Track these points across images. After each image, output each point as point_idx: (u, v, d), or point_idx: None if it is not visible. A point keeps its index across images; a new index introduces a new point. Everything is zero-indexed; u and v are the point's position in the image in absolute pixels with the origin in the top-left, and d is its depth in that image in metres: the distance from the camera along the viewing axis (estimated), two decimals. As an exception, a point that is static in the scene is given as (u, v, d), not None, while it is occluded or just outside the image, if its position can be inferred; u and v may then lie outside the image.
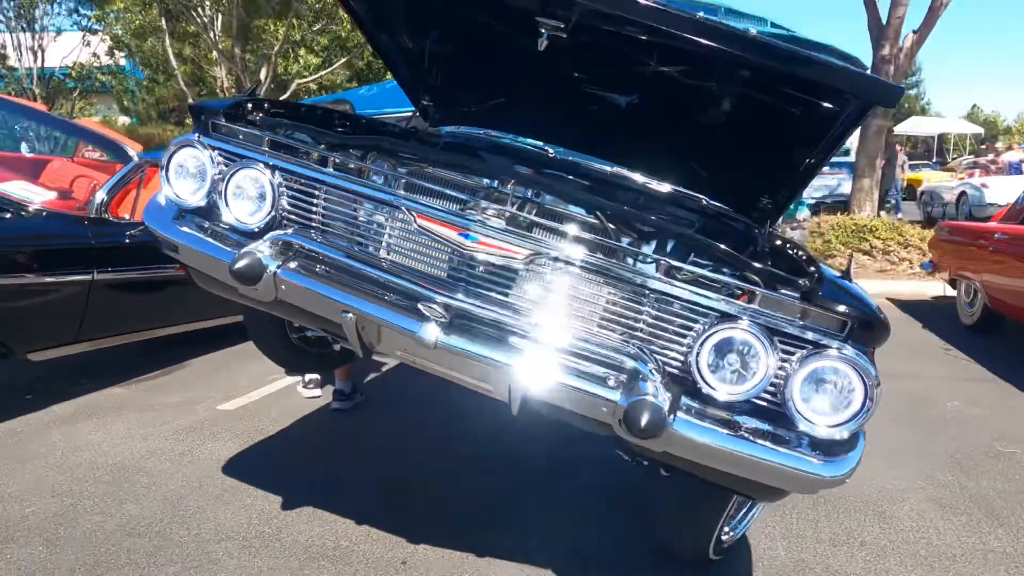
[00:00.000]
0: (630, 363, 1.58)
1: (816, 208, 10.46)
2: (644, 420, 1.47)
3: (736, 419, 1.60)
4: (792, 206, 11.23)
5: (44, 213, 3.59)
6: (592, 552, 2.31)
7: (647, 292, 1.63)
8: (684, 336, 1.63)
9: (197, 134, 1.95)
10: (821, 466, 1.55)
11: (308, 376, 3.86)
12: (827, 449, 1.57)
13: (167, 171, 1.95)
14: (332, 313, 1.73)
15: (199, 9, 14.51)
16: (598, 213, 1.76)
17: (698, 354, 1.58)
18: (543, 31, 1.93)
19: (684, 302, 1.61)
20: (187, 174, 1.95)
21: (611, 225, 1.74)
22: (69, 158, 4.73)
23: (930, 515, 2.57)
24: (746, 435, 1.57)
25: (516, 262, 1.66)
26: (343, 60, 16.90)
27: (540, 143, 2.64)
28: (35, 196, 3.67)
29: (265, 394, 3.88)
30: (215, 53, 15.51)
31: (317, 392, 3.83)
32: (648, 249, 1.72)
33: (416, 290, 1.65)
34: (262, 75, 13.81)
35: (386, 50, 2.71)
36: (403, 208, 1.72)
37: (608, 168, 2.65)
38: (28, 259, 3.42)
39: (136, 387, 4.00)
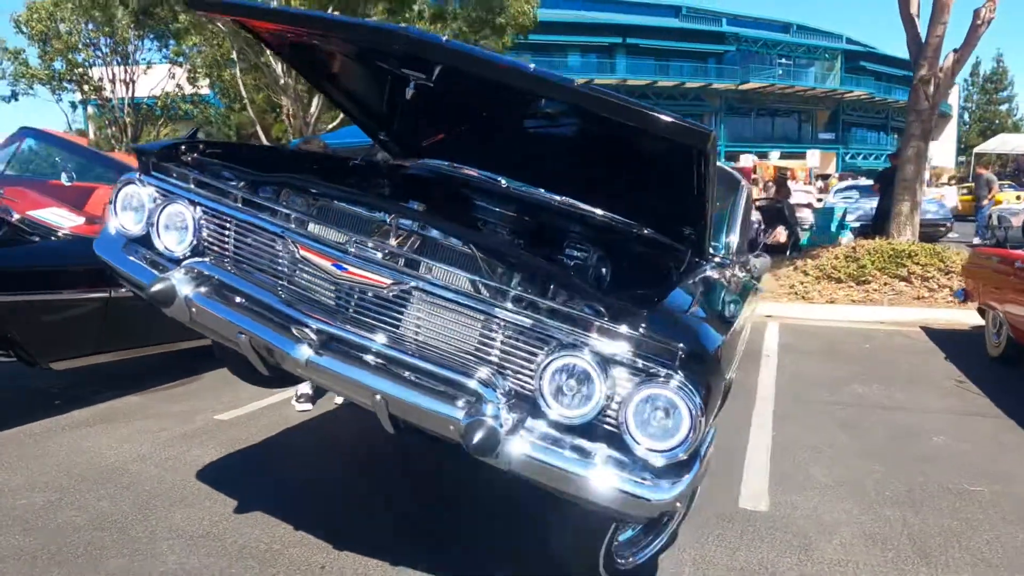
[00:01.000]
0: (477, 386, 1.70)
1: (865, 232, 10.10)
2: (476, 439, 1.59)
3: (576, 441, 1.70)
4: (835, 230, 10.92)
5: (69, 236, 4.00)
6: (497, 564, 2.41)
7: (498, 321, 1.76)
8: (531, 362, 1.74)
9: (139, 172, 2.22)
10: (649, 489, 1.63)
11: (300, 391, 4.12)
12: (659, 473, 1.65)
13: (115, 204, 2.23)
14: (231, 334, 1.94)
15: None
16: (471, 247, 1.90)
17: (540, 379, 1.69)
18: (411, 80, 2.11)
19: (529, 331, 1.73)
20: (130, 207, 2.22)
21: (482, 259, 1.88)
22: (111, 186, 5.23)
23: (857, 549, 2.53)
24: (579, 457, 1.66)
25: (382, 291, 1.82)
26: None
27: (495, 175, 2.82)
28: (64, 221, 4.09)
29: (261, 407, 4.15)
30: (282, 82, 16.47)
31: (308, 406, 4.08)
32: (505, 281, 1.85)
33: (293, 315, 1.83)
34: (314, 104, 14.56)
35: (331, 96, 2.96)
36: (288, 239, 1.92)
37: (556, 198, 2.79)
38: (51, 278, 3.83)
39: (150, 396, 4.36)
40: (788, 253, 10.63)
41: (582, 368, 1.66)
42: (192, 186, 2.11)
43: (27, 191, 4.46)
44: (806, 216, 11.41)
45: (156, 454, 3.41)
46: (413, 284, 1.79)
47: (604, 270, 2.61)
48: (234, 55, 16.11)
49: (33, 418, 3.87)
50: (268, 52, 15.55)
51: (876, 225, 9.38)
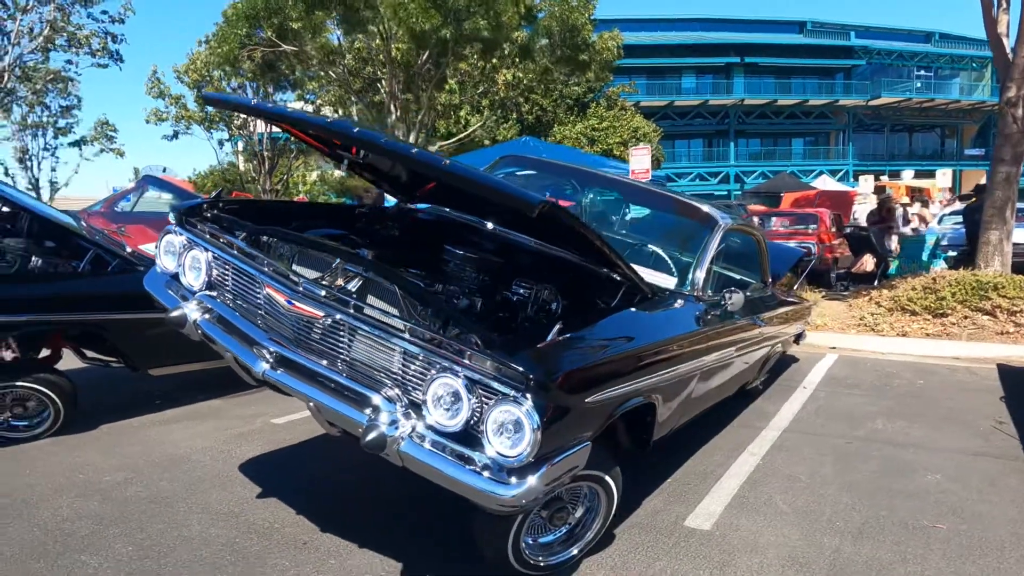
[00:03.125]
0: (378, 399, 2.18)
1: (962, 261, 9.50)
2: (367, 439, 2.08)
3: (453, 445, 2.12)
4: (926, 259, 10.30)
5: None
6: (440, 548, 2.83)
7: (399, 348, 2.23)
8: (422, 381, 2.19)
9: (174, 224, 2.91)
10: (497, 486, 2.02)
11: None
12: (506, 475, 2.03)
13: (159, 249, 2.93)
14: (223, 351, 2.54)
15: (379, 84, 16.93)
16: (396, 289, 2.39)
17: (425, 395, 2.14)
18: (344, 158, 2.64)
19: (420, 357, 2.18)
20: (168, 252, 2.91)
21: (402, 298, 2.36)
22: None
23: (771, 570, 2.71)
24: (450, 457, 2.09)
25: (318, 322, 2.35)
26: (477, 120, 18.37)
27: (477, 219, 3.32)
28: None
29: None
30: (392, 119, 17.91)
31: None
32: (413, 316, 2.32)
33: (257, 339, 2.40)
34: (411, 138, 15.71)
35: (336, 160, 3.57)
36: (259, 280, 2.50)
37: (530, 242, 3.23)
38: (152, 300, 4.72)
39: (228, 400, 5.18)
40: (876, 282, 10.20)
41: (454, 388, 2.09)
42: (207, 236, 2.76)
43: (144, 228, 5.49)
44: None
45: (216, 447, 4.14)
46: (339, 317, 2.30)
47: (553, 303, 2.99)
48: (352, 96, 17.68)
49: (135, 414, 4.77)
50: (383, 92, 17.09)
51: (970, 255, 8.83)
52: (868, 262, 10.61)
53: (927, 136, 49.11)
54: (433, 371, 2.15)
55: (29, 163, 27.11)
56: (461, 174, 2.20)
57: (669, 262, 3.67)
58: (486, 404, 2.07)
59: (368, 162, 3.00)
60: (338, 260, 2.49)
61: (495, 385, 2.05)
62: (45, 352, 4.73)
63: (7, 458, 3.92)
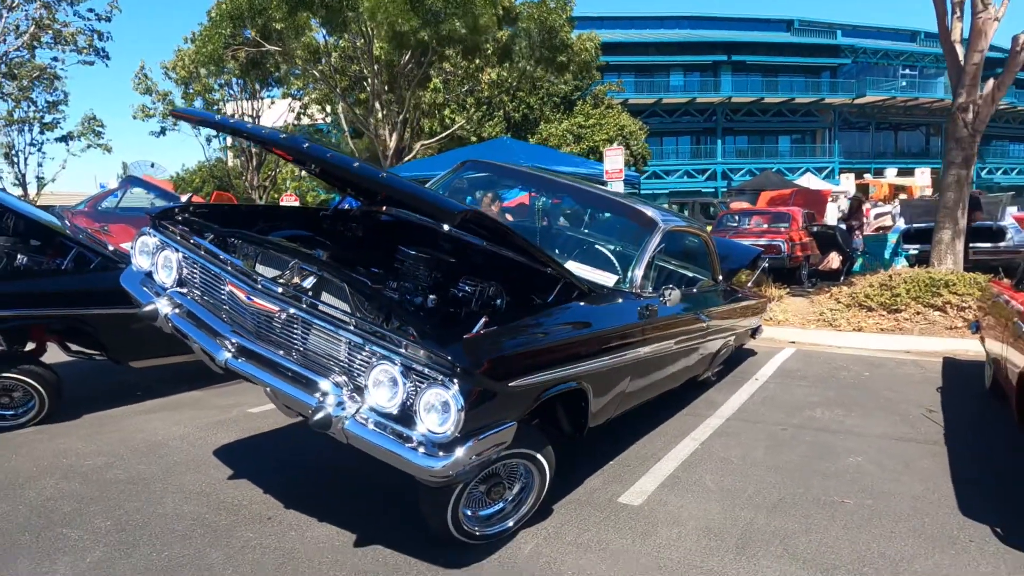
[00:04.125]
0: (326, 384, 2.46)
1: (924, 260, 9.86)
2: (314, 418, 2.36)
3: (392, 424, 2.41)
4: (888, 256, 10.66)
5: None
6: (391, 521, 3.11)
7: (345, 339, 2.51)
8: (366, 367, 2.47)
9: (148, 227, 3.17)
10: (426, 460, 2.30)
11: None
12: (436, 449, 2.32)
13: (134, 249, 3.19)
14: (191, 343, 2.82)
15: (364, 82, 17.15)
16: (345, 287, 2.67)
17: (367, 380, 2.43)
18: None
19: (363, 346, 2.46)
20: (142, 252, 3.17)
21: (350, 294, 2.64)
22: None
23: (689, 537, 3.02)
24: (388, 435, 2.37)
25: (274, 315, 2.63)
26: (461, 118, 18.60)
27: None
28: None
29: (284, 403, 5.09)
30: (379, 116, 18.14)
31: None
32: (359, 310, 2.59)
33: (219, 330, 2.68)
34: (393, 140, 15.98)
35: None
36: (222, 277, 2.77)
37: (481, 243, 3.50)
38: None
39: (208, 391, 5.44)
40: (841, 279, 10.55)
41: (392, 374, 2.37)
42: (177, 238, 3.03)
43: (126, 226, 5.72)
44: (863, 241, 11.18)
45: (193, 435, 4.41)
46: (293, 311, 2.58)
47: (498, 299, 3.26)
48: (337, 93, 17.90)
49: (117, 404, 5.03)
50: (368, 90, 17.31)
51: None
52: (834, 259, 10.97)
53: (912, 134, 49.75)
54: (374, 359, 2.43)
55: (15, 158, 27.14)
56: (394, 186, 2.47)
57: (613, 261, 3.96)
58: (419, 387, 2.35)
59: (326, 171, 3.28)
60: (295, 260, 2.77)
61: (426, 371, 2.34)
62: (30, 345, 4.98)
63: (-5, 444, 4.18)
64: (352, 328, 2.48)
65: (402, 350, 2.38)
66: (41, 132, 26.90)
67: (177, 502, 3.37)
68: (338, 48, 17.89)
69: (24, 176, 27.49)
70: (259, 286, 2.65)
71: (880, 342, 7.41)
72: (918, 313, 7.65)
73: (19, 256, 5.00)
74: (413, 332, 2.40)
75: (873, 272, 9.18)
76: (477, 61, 15.36)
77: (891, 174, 35.15)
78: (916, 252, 10.22)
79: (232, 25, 13.67)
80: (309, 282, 2.75)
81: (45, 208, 6.09)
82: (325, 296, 2.68)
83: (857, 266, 10.50)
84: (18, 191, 27.32)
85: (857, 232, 10.77)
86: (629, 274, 3.75)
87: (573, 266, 3.77)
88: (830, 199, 15.79)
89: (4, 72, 21.46)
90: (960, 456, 4.05)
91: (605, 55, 30.32)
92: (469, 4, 11.42)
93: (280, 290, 2.63)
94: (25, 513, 3.24)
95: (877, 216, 17.97)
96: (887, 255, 10.42)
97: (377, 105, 17.42)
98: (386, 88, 16.14)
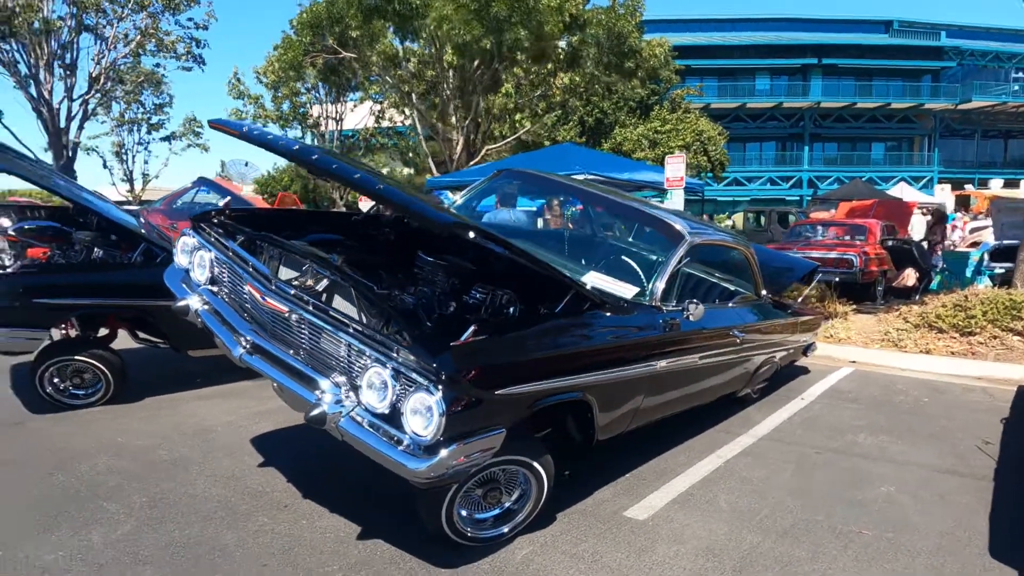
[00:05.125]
0: (325, 383, 2.61)
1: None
2: (310, 415, 2.50)
3: (383, 424, 2.52)
4: (970, 275, 9.95)
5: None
6: (394, 518, 3.23)
7: (344, 341, 2.64)
8: (363, 369, 2.59)
9: (190, 228, 3.43)
10: (410, 460, 2.40)
11: None
12: (419, 452, 2.41)
13: (176, 248, 3.46)
14: (215, 337, 3.03)
15: (439, 87, 17.57)
16: (352, 291, 2.81)
17: (361, 381, 2.55)
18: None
19: (360, 349, 2.59)
20: (183, 251, 3.43)
21: (357, 297, 2.78)
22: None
23: (686, 557, 2.98)
24: (378, 434, 2.49)
25: (284, 316, 2.79)
26: (532, 123, 18.63)
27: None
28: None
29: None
30: (452, 120, 18.55)
31: None
32: (362, 314, 2.72)
33: (237, 327, 2.87)
34: (460, 143, 16.25)
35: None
36: (243, 278, 2.97)
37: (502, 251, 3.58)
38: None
39: (258, 382, 5.71)
40: (916, 296, 9.96)
41: (383, 377, 2.49)
42: (211, 239, 3.27)
43: (194, 225, 6.13)
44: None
45: (236, 422, 4.70)
46: (300, 312, 2.74)
47: (511, 307, 3.33)
48: (413, 99, 18.41)
49: (175, 389, 5.42)
50: (443, 95, 17.74)
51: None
52: (910, 276, 10.35)
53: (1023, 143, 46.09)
54: (369, 361, 2.55)
55: (125, 156, 29.39)
56: (389, 198, 2.59)
57: (637, 272, 3.94)
58: (408, 390, 2.45)
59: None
60: (309, 264, 2.94)
61: (414, 376, 2.43)
62: (103, 332, 5.44)
63: (65, 421, 4.60)
64: (351, 331, 2.61)
65: (394, 354, 2.49)
66: (148, 132, 29.06)
67: (208, 484, 3.62)
68: (417, 53, 18.42)
69: (131, 172, 29.75)
70: (272, 287, 2.82)
71: (949, 366, 6.96)
72: (994, 337, 7.14)
73: (96, 250, 5.48)
74: (406, 337, 2.51)
75: (950, 291, 8.63)
76: (550, 66, 15.43)
77: (997, 185, 32.73)
78: (1003, 272, 9.50)
79: (311, 33, 14.31)
80: (322, 285, 2.91)
81: (123, 205, 6.62)
82: (335, 299, 2.83)
83: (935, 284, 9.87)
84: (126, 186, 29.61)
85: (937, 248, 10.12)
86: (650, 286, 3.72)
87: (594, 276, 3.79)
88: (917, 210, 14.86)
89: (114, 78, 23.26)
90: (1006, 494, 3.79)
91: (687, 59, 29.72)
92: (534, 12, 11.52)
93: (292, 292, 2.79)
94: (76, 485, 3.57)
95: (973, 231, 16.79)
96: (968, 273, 9.74)
97: (449, 110, 17.81)
98: (458, 93, 16.48)
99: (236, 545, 2.98)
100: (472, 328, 2.49)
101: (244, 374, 5.81)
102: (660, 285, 3.71)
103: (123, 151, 29.26)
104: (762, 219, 21.37)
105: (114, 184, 29.09)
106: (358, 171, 2.73)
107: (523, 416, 2.73)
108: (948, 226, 11.99)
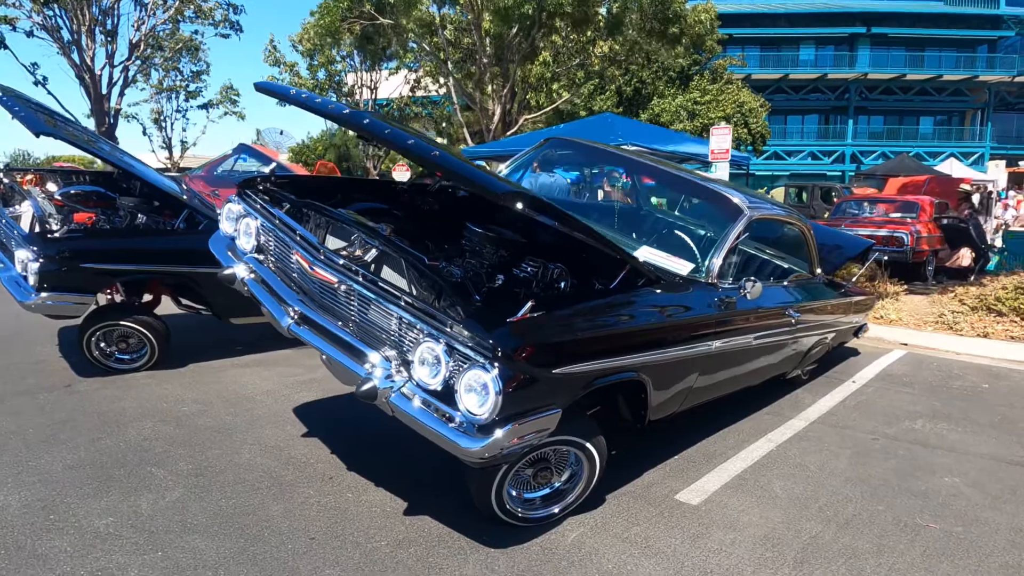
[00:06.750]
0: (376, 357, 2.52)
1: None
2: (361, 389, 2.43)
3: (435, 401, 2.43)
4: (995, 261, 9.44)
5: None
6: (438, 494, 3.17)
7: (396, 314, 2.55)
8: (415, 343, 2.50)
9: (235, 195, 3.36)
10: (464, 439, 2.31)
11: None
12: (473, 431, 2.32)
13: (221, 215, 3.39)
14: (262, 307, 2.97)
15: (476, 55, 17.28)
16: (402, 262, 2.71)
17: (413, 355, 2.46)
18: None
19: (412, 323, 2.49)
20: (228, 218, 3.37)
21: (407, 270, 2.68)
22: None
23: (743, 545, 2.86)
24: (431, 411, 2.40)
25: (334, 287, 2.71)
26: (568, 92, 18.25)
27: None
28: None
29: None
30: (489, 90, 18.27)
31: None
32: (413, 287, 2.62)
33: (285, 298, 2.80)
34: (497, 113, 15.98)
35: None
36: (291, 247, 2.89)
37: (552, 222, 3.45)
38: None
39: (299, 351, 5.73)
40: (972, 277, 9.55)
41: (436, 352, 2.39)
42: (257, 206, 3.19)
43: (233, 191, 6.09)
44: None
45: (278, 391, 4.69)
46: (351, 284, 2.65)
47: (562, 282, 3.20)
48: (448, 66, 18.15)
49: (217, 356, 5.44)
50: (480, 64, 17.46)
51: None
52: (965, 256, 9.92)
53: (1088, 117, 43.91)
54: (421, 336, 2.46)
55: (163, 124, 29.75)
56: (446, 165, 2.46)
57: (692, 248, 3.78)
58: (461, 367, 2.36)
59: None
60: (358, 233, 2.84)
61: (469, 352, 2.33)
62: (147, 297, 5.47)
63: (111, 385, 4.64)
64: (403, 304, 2.51)
65: (448, 329, 2.39)
66: (186, 100, 29.33)
67: (253, 454, 3.61)
68: (452, 20, 18.11)
69: (170, 140, 30.13)
70: (321, 257, 2.74)
71: (1008, 351, 6.66)
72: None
73: (140, 216, 5.48)
74: (460, 312, 2.40)
75: (1011, 273, 8.24)
76: (589, 33, 15.01)
77: (1053, 162, 31.28)
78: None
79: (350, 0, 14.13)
80: (370, 256, 2.82)
81: (164, 172, 6.63)
82: (384, 270, 2.73)
83: (991, 265, 9.44)
84: (164, 153, 30.03)
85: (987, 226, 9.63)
86: (706, 263, 3.56)
87: (648, 251, 3.64)
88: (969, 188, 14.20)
89: (153, 44, 23.40)
90: (1081, 489, 3.59)
91: (728, 27, 28.76)
92: (576, -25, 11.19)
93: (341, 262, 2.71)
94: (124, 450, 3.59)
95: (1028, 209, 16.05)
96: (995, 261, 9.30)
97: (486, 78, 17.52)
98: (494, 61, 16.17)
99: (283, 516, 2.95)
100: (530, 303, 2.38)
101: (284, 343, 5.83)
102: (717, 262, 3.55)
103: (162, 118, 29.63)
104: (804, 195, 20.75)
105: (153, 151, 29.52)
106: (411, 136, 2.62)
107: (579, 396, 2.63)
108: (1001, 203, 11.42)
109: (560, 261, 3.26)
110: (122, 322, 4.87)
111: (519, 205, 2.37)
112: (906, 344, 7.04)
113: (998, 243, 9.75)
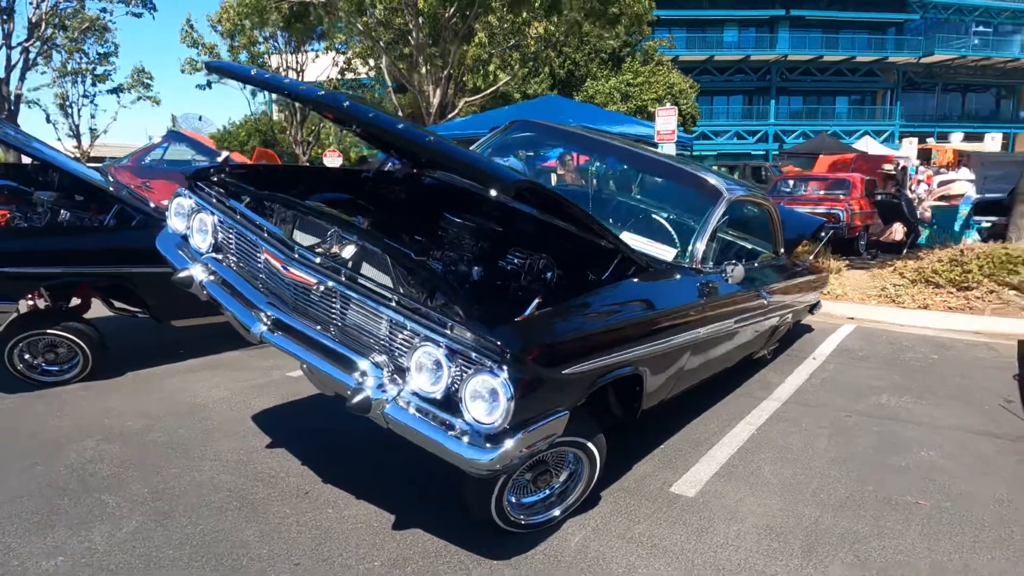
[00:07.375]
0: (366, 364, 2.29)
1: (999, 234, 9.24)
2: (353, 401, 2.19)
3: (435, 411, 2.23)
4: (958, 229, 10.01)
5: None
6: (431, 504, 2.97)
7: (386, 317, 2.32)
8: (408, 348, 2.28)
9: (185, 189, 3.01)
10: (472, 451, 2.12)
11: None
12: (483, 440, 2.13)
13: (170, 210, 3.05)
14: (223, 310, 2.67)
15: (409, 36, 16.75)
16: (388, 259, 2.47)
17: (410, 361, 2.24)
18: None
19: (405, 325, 2.27)
20: (178, 214, 3.02)
21: (392, 267, 2.44)
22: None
23: (748, 537, 2.80)
24: (431, 421, 2.19)
25: (312, 288, 2.45)
26: (505, 75, 18.08)
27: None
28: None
29: (324, 367, 5.00)
30: (423, 71, 17.76)
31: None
32: (402, 286, 2.40)
33: (255, 302, 2.52)
34: (436, 96, 15.59)
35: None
36: (258, 245, 2.60)
37: (532, 211, 3.26)
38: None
39: (249, 352, 5.37)
40: (904, 252, 9.98)
41: (436, 357, 2.18)
42: (213, 200, 2.87)
43: (167, 182, 5.63)
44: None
45: (232, 398, 4.35)
46: (331, 284, 2.40)
47: (548, 273, 3.03)
48: (380, 45, 17.53)
49: (159, 362, 5.02)
50: (412, 44, 16.94)
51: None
52: (897, 231, 10.35)
53: (982, 96, 46.89)
54: (417, 340, 2.24)
55: (69, 110, 27.71)
56: (443, 151, 2.25)
57: (672, 233, 3.68)
58: (466, 372, 2.16)
59: (368, 132, 3.06)
60: (334, 228, 2.58)
61: (474, 356, 2.14)
62: (75, 302, 4.97)
63: (40, 401, 4.19)
64: (394, 305, 2.29)
65: (448, 331, 2.18)
66: (93, 84, 27.36)
67: (214, 470, 3.30)
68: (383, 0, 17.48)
69: (78, 127, 28.11)
70: (296, 255, 2.47)
71: (948, 321, 6.96)
72: (991, 292, 7.15)
73: (62, 212, 4.96)
74: (460, 312, 2.20)
75: (942, 246, 8.62)
76: (524, 15, 14.79)
77: (957, 139, 33.24)
78: (990, 225, 9.54)
79: (276, -25, 13.40)
80: (349, 252, 2.56)
81: (93, 162, 6.07)
82: (366, 268, 2.49)
83: (923, 239, 9.89)
84: (72, 142, 28.00)
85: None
86: (690, 248, 3.47)
87: (628, 237, 3.51)
88: (886, 166, 14.90)
89: (56, 24, 21.65)
90: (1046, 455, 3.72)
91: (656, 9, 29.10)
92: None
93: (318, 261, 2.45)
94: (65, 476, 3.21)
95: (941, 184, 16.97)
96: (957, 227, 9.78)
97: (421, 60, 17.03)
98: (430, 43, 15.72)
99: (259, 540, 2.69)
100: (537, 300, 2.20)
101: (232, 344, 5.45)
102: (700, 246, 3.46)
103: (67, 104, 27.60)
104: (736, 174, 21.31)
105: (59, 140, 27.49)
106: (400, 121, 2.37)
107: (584, 395, 2.47)
108: (912, 179, 11.99)
109: (544, 250, 3.09)
110: (49, 331, 4.39)
111: (532, 196, 2.19)
112: (853, 318, 7.25)
113: (928, 216, 10.24)
